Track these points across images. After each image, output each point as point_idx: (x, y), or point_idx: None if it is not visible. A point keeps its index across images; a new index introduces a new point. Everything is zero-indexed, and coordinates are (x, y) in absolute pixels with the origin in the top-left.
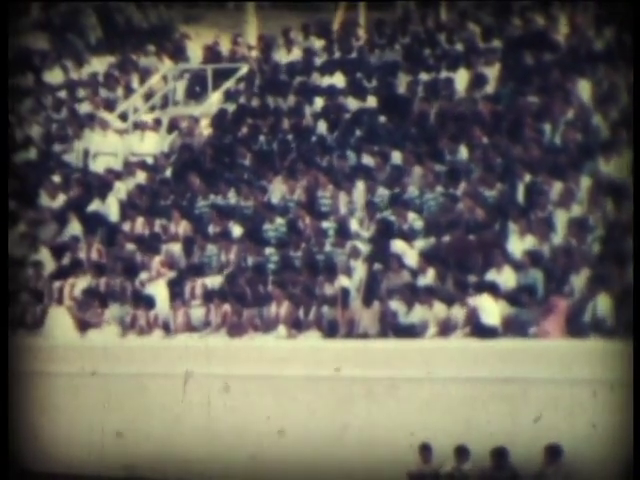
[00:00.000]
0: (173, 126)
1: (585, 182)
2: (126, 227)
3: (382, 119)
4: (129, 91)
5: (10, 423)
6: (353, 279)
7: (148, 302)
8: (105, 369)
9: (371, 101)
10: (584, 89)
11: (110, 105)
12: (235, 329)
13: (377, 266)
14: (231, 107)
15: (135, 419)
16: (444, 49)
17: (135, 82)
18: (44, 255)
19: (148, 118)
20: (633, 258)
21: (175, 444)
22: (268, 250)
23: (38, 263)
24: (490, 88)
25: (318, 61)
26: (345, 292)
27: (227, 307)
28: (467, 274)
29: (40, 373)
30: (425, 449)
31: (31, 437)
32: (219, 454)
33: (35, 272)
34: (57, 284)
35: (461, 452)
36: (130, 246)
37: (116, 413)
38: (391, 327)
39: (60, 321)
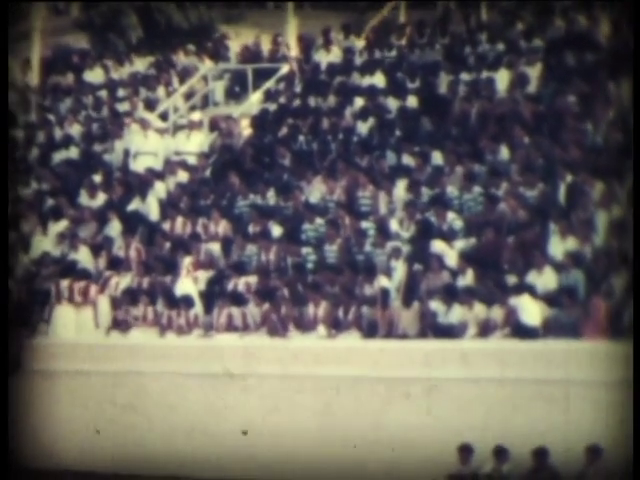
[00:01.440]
0: (213, 126)
1: (627, 183)
2: (166, 226)
3: (423, 119)
4: (169, 91)
5: (29, 422)
6: (393, 279)
7: (187, 302)
8: (144, 368)
9: (412, 101)
10: (625, 89)
11: (150, 105)
12: (275, 329)
13: (417, 266)
14: (271, 107)
15: (173, 417)
16: (485, 49)
17: (175, 82)
18: (83, 254)
19: (188, 118)
20: (633, 258)
21: (213, 443)
22: (307, 250)
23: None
24: (532, 88)
25: (358, 61)
26: (385, 292)
27: (267, 307)
28: (507, 275)
29: (75, 372)
30: (465, 450)
31: (62, 435)
32: (258, 453)
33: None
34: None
35: (500, 453)
36: (170, 245)
37: (155, 411)
38: (431, 327)
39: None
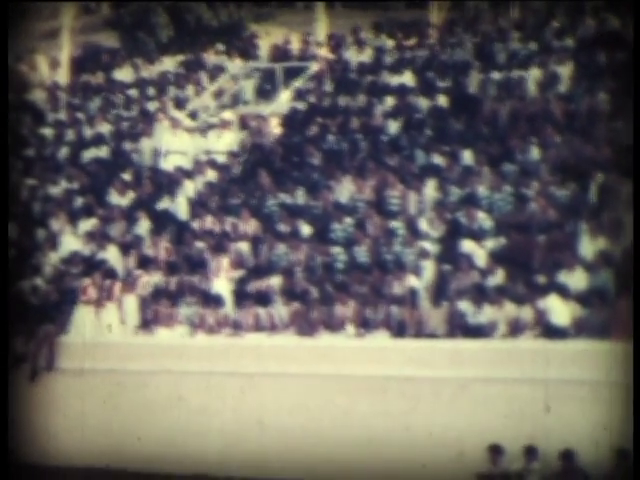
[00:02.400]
0: (243, 125)
1: None
2: (195, 225)
3: (453, 118)
4: (199, 90)
5: (56, 421)
6: (422, 279)
7: (217, 301)
8: (176, 367)
9: (442, 100)
10: None
11: (180, 104)
12: (304, 328)
13: (446, 266)
14: (301, 106)
15: (202, 417)
16: (516, 48)
17: (205, 81)
18: (112, 253)
19: (218, 117)
20: (633, 258)
21: (243, 443)
22: (336, 250)
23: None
24: (563, 87)
25: (388, 60)
26: (414, 292)
27: (296, 306)
28: (537, 275)
29: (104, 371)
30: (494, 450)
31: (89, 434)
32: (286, 452)
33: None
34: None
35: (530, 453)
36: (199, 244)
37: (185, 410)
38: (460, 327)
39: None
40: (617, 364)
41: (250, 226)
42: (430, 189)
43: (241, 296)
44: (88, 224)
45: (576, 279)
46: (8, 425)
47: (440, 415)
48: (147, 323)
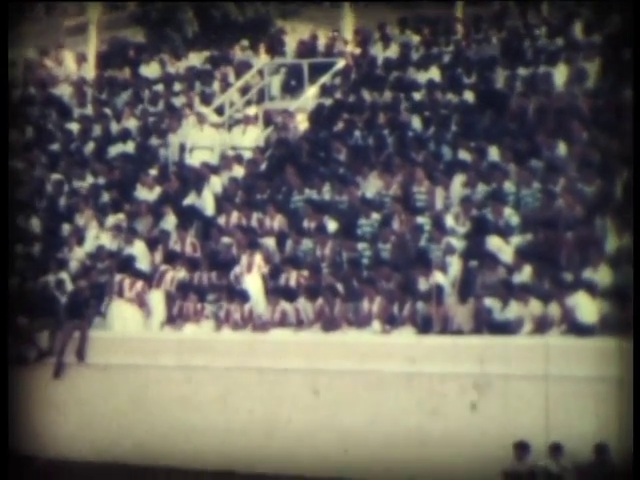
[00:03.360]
0: (269, 120)
1: None
2: (221, 221)
3: (479, 114)
4: (225, 85)
5: (83, 416)
6: (448, 275)
7: (242, 296)
8: (201, 362)
9: (468, 96)
10: None
11: (206, 99)
12: (329, 324)
13: (472, 262)
14: (327, 102)
15: (227, 412)
16: (543, 44)
17: (231, 76)
18: (139, 248)
19: (244, 112)
20: (633, 258)
21: (270, 438)
22: (363, 245)
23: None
24: (590, 83)
25: (415, 56)
26: (440, 288)
27: (321, 302)
28: (564, 271)
29: (131, 366)
30: (520, 447)
31: (116, 429)
32: (311, 447)
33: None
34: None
35: (556, 450)
36: (225, 240)
37: (210, 405)
38: (486, 324)
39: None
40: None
41: (276, 222)
42: (457, 185)
43: (267, 291)
44: (114, 219)
45: (603, 276)
46: (21, 421)
47: (465, 411)
48: (173, 318)
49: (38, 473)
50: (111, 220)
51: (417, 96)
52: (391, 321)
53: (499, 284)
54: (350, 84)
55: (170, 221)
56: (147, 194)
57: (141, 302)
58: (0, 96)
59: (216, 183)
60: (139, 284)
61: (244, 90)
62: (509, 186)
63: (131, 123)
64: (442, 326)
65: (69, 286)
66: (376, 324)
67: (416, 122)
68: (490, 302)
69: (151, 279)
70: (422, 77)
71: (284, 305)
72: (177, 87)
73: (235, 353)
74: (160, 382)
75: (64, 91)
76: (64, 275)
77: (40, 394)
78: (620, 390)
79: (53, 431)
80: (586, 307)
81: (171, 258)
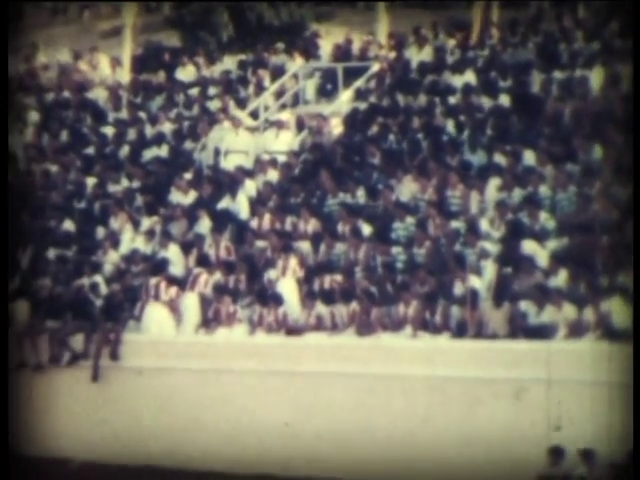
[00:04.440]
0: (303, 124)
1: None
2: (255, 225)
3: (515, 118)
4: (260, 89)
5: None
6: (483, 279)
7: (276, 300)
8: (235, 366)
9: (504, 100)
10: None
11: (241, 103)
12: (364, 328)
13: (507, 266)
14: (361, 106)
15: (261, 415)
16: (579, 47)
17: (266, 80)
18: (173, 251)
19: (279, 116)
20: (633, 258)
21: (303, 441)
22: (397, 249)
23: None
24: (626, 87)
25: (450, 59)
26: (474, 292)
27: (355, 306)
28: (599, 276)
29: (164, 369)
30: (555, 452)
31: (149, 432)
32: (347, 451)
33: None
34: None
35: (588, 455)
36: (259, 243)
37: (244, 409)
38: (521, 328)
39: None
40: None
41: (310, 225)
42: (492, 189)
43: (301, 295)
44: (149, 223)
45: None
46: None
47: (500, 416)
48: (207, 322)
49: (73, 476)
50: (146, 224)
51: (452, 100)
52: (425, 325)
53: (534, 288)
54: (385, 88)
55: (205, 225)
56: (182, 198)
57: (175, 306)
58: (0, 96)
59: (250, 187)
60: (173, 288)
61: (279, 94)
62: (545, 190)
63: (166, 127)
64: (477, 330)
65: (103, 289)
66: (410, 328)
67: (451, 126)
68: (525, 306)
69: (185, 283)
70: (457, 81)
71: (319, 309)
72: (212, 91)
73: (269, 357)
74: (193, 385)
75: (99, 95)
76: (99, 278)
77: (75, 397)
78: None
79: (87, 434)
80: (622, 312)
81: (205, 262)
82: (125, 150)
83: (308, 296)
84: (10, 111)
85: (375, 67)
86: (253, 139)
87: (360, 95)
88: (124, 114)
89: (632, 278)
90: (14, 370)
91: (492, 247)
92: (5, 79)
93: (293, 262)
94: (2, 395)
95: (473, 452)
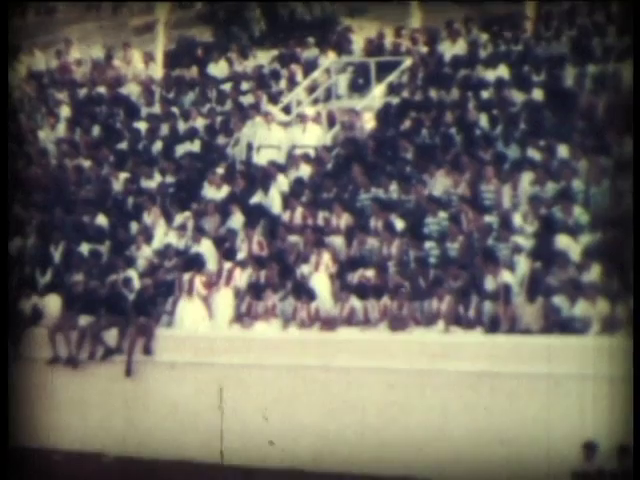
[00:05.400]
0: (336, 119)
1: None
2: (288, 219)
3: (548, 112)
4: (292, 84)
5: (150, 412)
6: (516, 274)
7: (309, 294)
8: (269, 360)
9: (537, 94)
10: None
11: (274, 98)
12: (396, 323)
13: (541, 261)
14: (394, 100)
15: (294, 411)
16: (612, 41)
17: (298, 75)
18: (206, 246)
19: (311, 111)
20: (633, 258)
21: (332, 438)
22: (430, 244)
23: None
24: None
25: (483, 53)
26: (507, 287)
27: (388, 301)
28: (632, 271)
29: (198, 364)
30: (589, 447)
31: (185, 425)
32: (380, 449)
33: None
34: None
35: (623, 452)
36: (292, 238)
37: (277, 404)
38: (554, 323)
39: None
40: None
41: (343, 220)
42: (525, 183)
43: (334, 290)
44: (182, 217)
45: None
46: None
47: (533, 411)
48: (240, 316)
49: (107, 471)
50: (179, 219)
51: (485, 94)
52: (458, 320)
53: (567, 283)
54: (417, 82)
55: (237, 220)
56: (214, 193)
57: (208, 300)
58: (0, 96)
59: (283, 182)
60: (206, 282)
61: (311, 89)
62: (578, 184)
63: (198, 122)
64: (510, 325)
65: (136, 284)
66: (442, 323)
67: (484, 120)
68: (559, 301)
69: (218, 277)
70: (490, 75)
71: (352, 303)
72: (244, 86)
73: (302, 351)
74: (226, 380)
75: (132, 90)
76: (132, 273)
77: (108, 392)
78: None
79: (121, 428)
80: None
81: (238, 257)
82: (158, 145)
83: (341, 291)
84: (43, 106)
85: (408, 61)
86: (285, 134)
87: (392, 90)
88: (157, 109)
89: (632, 276)
90: (47, 365)
91: (525, 242)
92: (5, 79)
93: (326, 257)
94: (17, 389)
95: (506, 447)
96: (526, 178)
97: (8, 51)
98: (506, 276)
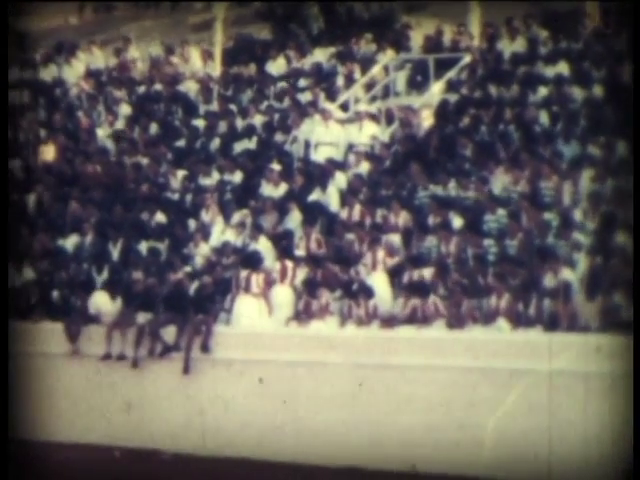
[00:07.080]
0: (394, 116)
1: None
2: (346, 217)
3: (608, 109)
4: (350, 81)
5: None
6: (576, 272)
7: (367, 292)
8: (326, 358)
9: (597, 90)
10: None
11: (331, 95)
12: (454, 321)
13: (601, 258)
14: (453, 97)
15: (352, 408)
16: None
17: (356, 72)
18: (264, 244)
19: (369, 108)
20: (633, 258)
21: (392, 433)
22: (488, 241)
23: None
24: None
25: (543, 50)
26: (567, 285)
27: (446, 299)
28: None
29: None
30: None
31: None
32: (438, 446)
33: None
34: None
35: None
36: (349, 236)
37: (333, 401)
38: (614, 321)
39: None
40: None
41: (401, 218)
42: (585, 180)
43: (392, 288)
44: (239, 215)
45: None
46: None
47: (590, 410)
48: (298, 314)
49: (164, 468)
50: (236, 216)
51: (544, 91)
52: (517, 318)
53: (628, 281)
54: (476, 79)
55: (295, 217)
56: (272, 190)
57: (266, 298)
58: (0, 96)
59: (341, 179)
60: (264, 280)
61: (369, 86)
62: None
63: (256, 119)
64: (569, 323)
65: (195, 281)
66: (501, 321)
67: (544, 117)
68: (618, 299)
69: (277, 275)
70: (550, 72)
71: (408, 302)
72: (302, 83)
73: (359, 349)
74: (283, 378)
75: (190, 88)
76: (190, 270)
77: (165, 389)
78: None
79: (178, 426)
80: None
81: (296, 254)
82: (216, 143)
83: (399, 289)
84: (101, 104)
85: (466, 58)
86: (343, 131)
87: (451, 87)
88: (215, 107)
89: (632, 275)
90: (100, 361)
91: (585, 239)
92: (5, 79)
93: (384, 254)
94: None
95: (559, 447)
96: (586, 174)
97: (7, 52)
98: (566, 274)
